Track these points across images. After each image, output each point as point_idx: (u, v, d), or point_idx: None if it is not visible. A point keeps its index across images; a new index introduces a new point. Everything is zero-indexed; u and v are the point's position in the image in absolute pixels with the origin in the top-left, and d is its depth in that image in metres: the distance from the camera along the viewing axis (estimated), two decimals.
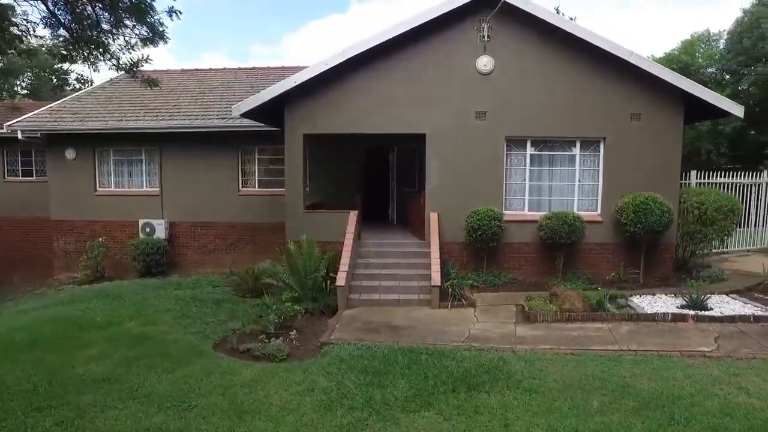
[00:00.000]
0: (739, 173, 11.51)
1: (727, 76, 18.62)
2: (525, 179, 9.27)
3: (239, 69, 16.30)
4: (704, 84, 16.36)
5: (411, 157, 11.69)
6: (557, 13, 19.63)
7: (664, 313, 6.34)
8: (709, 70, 19.21)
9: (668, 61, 19.64)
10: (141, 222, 12.35)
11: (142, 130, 11.92)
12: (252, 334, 6.65)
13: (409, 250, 9.15)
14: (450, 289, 7.78)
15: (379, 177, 12.96)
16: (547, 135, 9.12)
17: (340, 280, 7.75)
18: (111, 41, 6.79)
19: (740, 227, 11.64)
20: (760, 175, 11.88)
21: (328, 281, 8.14)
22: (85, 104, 13.40)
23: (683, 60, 19.12)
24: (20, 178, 14.03)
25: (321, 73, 8.74)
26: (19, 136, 12.00)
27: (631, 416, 3.93)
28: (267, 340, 6.22)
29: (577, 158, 9.22)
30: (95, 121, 12.26)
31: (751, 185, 11.50)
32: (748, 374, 4.62)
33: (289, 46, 58.42)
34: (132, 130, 11.94)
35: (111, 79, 15.26)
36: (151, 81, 7.33)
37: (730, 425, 3.73)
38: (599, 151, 9.17)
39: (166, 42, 6.25)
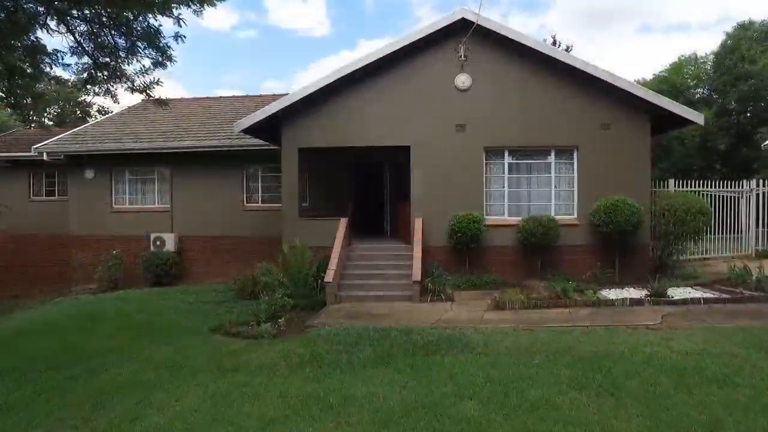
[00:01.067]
0: (723, 182, 11.98)
1: (715, 96, 19.26)
2: (504, 186, 9.92)
3: (246, 96, 17.52)
4: (691, 103, 17.07)
5: (403, 173, 12.42)
6: (555, 43, 20.72)
7: (623, 299, 6.83)
8: (698, 90, 19.90)
9: (658, 82, 20.39)
10: (152, 236, 13.22)
11: (154, 150, 12.95)
12: (245, 322, 7.29)
13: (396, 253, 9.77)
14: (430, 285, 8.35)
15: (375, 193, 13.72)
16: (523, 144, 9.83)
17: (329, 277, 8.39)
18: (126, 65, 7.80)
19: (725, 234, 12.05)
20: (741, 185, 12.33)
21: (319, 281, 8.78)
22: (103, 128, 14.61)
23: (672, 81, 19.88)
24: (44, 197, 15.12)
25: (314, 92, 9.67)
26: (45, 157, 13.13)
27: (562, 368, 4.45)
28: (257, 326, 6.86)
29: (553, 166, 9.87)
30: (112, 142, 13.37)
31: (730, 194, 11.93)
32: (679, 338, 5.09)
33: (299, 81, 60.85)
34: (144, 151, 12.99)
35: (128, 107, 16.57)
36: (162, 102, 8.29)
37: (644, 370, 4.22)
38: (573, 159, 9.81)
39: (173, 62, 7.21)
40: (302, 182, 10.74)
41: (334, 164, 12.69)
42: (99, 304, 9.40)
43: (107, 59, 7.80)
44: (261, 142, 11.64)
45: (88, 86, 8.36)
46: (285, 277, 8.82)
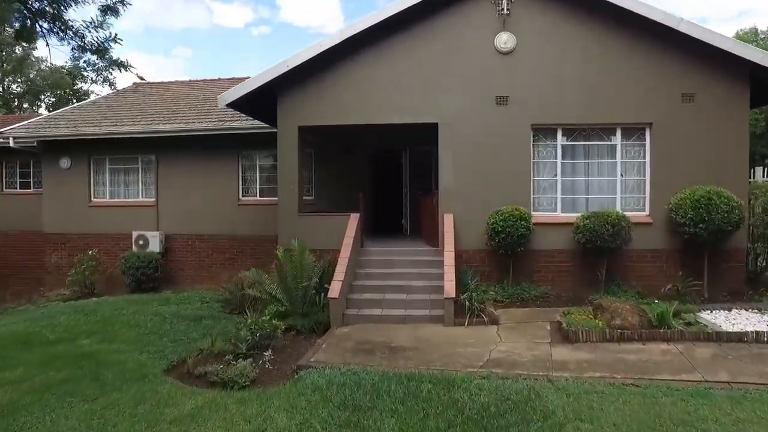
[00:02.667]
0: None
1: None
2: (556, 174, 7.85)
3: (248, 78, 15.61)
4: None
5: (426, 160, 10.45)
6: None
7: (758, 332, 4.74)
8: None
9: None
10: (134, 234, 11.42)
11: (137, 134, 11.12)
12: (220, 354, 5.40)
13: (419, 258, 7.79)
14: (467, 303, 6.35)
15: (392, 185, 11.74)
16: (581, 122, 7.75)
17: (334, 291, 6.45)
18: (67, 11, 5.96)
19: None
20: None
21: (322, 294, 6.86)
22: (85, 112, 12.84)
23: None
24: (18, 190, 13.44)
25: (317, 55, 7.70)
26: (11, 143, 11.36)
27: None
28: (234, 362, 4.98)
29: (618, 148, 7.77)
30: (90, 126, 11.59)
31: None
32: None
33: None
34: (126, 135, 11.16)
35: (116, 90, 14.83)
36: (121, 64, 6.46)
37: None
38: (645, 140, 7.71)
39: (126, 6, 5.36)
40: (305, 171, 8.81)
41: (343, 149, 10.73)
42: (51, 319, 7.58)
43: (44, 4, 5.96)
44: (259, 124, 9.76)
45: (22, 42, 6.59)
46: (279, 289, 6.91)
